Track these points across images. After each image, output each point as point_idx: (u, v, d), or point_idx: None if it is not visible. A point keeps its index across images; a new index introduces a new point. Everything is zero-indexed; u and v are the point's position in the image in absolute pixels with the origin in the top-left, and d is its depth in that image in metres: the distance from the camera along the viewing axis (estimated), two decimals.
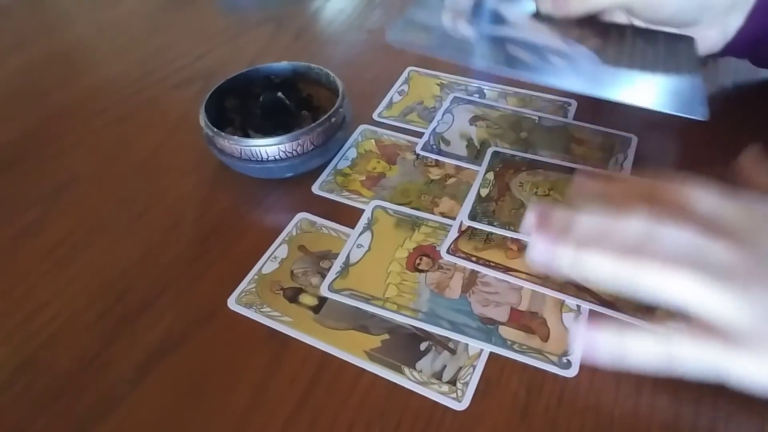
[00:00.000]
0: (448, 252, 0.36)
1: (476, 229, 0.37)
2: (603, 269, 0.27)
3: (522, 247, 0.36)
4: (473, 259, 0.35)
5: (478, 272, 0.35)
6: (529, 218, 0.30)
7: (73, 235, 0.39)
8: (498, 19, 0.41)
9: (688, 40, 0.39)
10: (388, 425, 0.29)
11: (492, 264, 0.35)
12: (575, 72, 0.37)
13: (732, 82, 0.47)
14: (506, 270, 0.35)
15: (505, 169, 0.41)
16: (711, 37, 0.41)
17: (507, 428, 0.29)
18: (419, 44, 0.39)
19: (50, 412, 0.31)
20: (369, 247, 0.37)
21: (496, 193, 0.39)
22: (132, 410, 0.30)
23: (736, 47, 0.41)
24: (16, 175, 0.44)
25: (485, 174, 0.40)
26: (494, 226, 0.37)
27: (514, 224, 0.37)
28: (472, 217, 0.38)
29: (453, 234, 0.37)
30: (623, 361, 0.28)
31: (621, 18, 0.42)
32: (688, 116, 0.32)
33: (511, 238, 0.36)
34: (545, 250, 0.28)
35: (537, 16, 0.41)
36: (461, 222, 0.37)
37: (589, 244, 0.28)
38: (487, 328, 0.32)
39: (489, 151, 0.42)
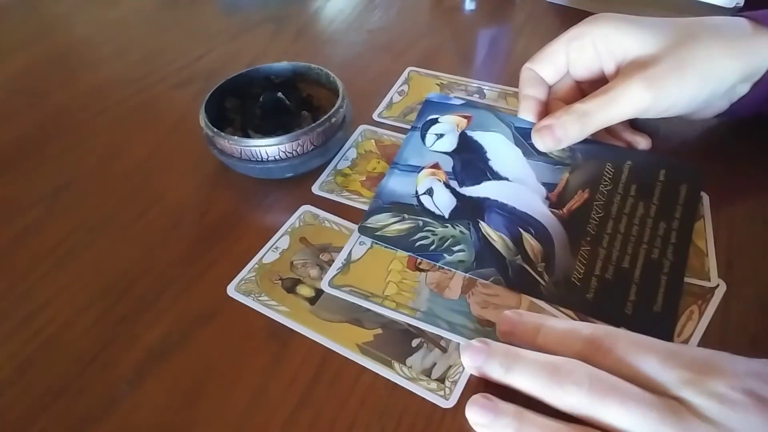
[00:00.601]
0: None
1: None
2: None
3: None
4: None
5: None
6: (469, 358, 0.30)
7: (73, 235, 0.39)
8: (483, 167, 0.39)
9: (692, 183, 0.37)
10: (388, 425, 0.29)
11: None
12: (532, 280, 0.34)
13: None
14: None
15: None
16: (717, 106, 0.39)
17: None
18: (389, 235, 0.37)
19: (50, 412, 0.31)
20: (371, 244, 0.37)
21: None
22: (132, 410, 0.30)
23: (741, 111, 0.40)
24: (16, 175, 0.44)
25: None
26: None
27: None
28: None
29: None
30: None
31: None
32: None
33: None
34: (484, 414, 0.28)
35: (525, 149, 0.40)
36: None
37: (529, 421, 0.27)
38: (485, 330, 0.32)
39: None
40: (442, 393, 0.30)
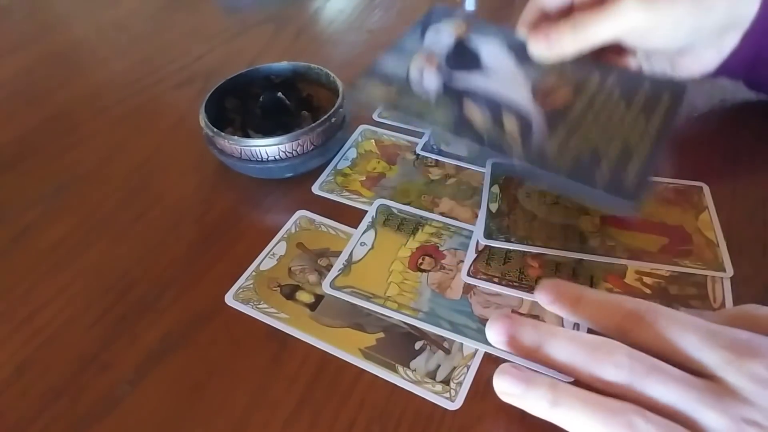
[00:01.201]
0: (468, 275, 0.35)
1: (493, 248, 0.36)
2: (579, 423, 0.25)
3: (543, 263, 0.35)
4: (495, 279, 0.35)
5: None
6: (496, 331, 0.29)
7: (73, 235, 0.39)
8: (473, 62, 0.39)
9: (675, 92, 0.37)
10: (388, 425, 0.29)
11: (514, 284, 0.34)
12: (515, 152, 0.34)
13: (720, 100, 0.46)
14: (529, 289, 0.34)
15: (509, 180, 0.40)
16: (706, 57, 0.40)
17: (506, 428, 0.29)
18: (379, 101, 0.38)
19: (50, 412, 0.31)
20: (372, 245, 0.37)
21: (506, 207, 0.38)
22: (132, 410, 0.30)
23: (731, 68, 0.40)
24: (17, 175, 0.44)
25: (491, 188, 0.40)
26: (512, 242, 0.36)
27: (531, 238, 0.36)
28: (488, 235, 0.37)
29: (471, 255, 0.36)
30: None
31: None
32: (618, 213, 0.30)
33: (531, 254, 0.36)
34: (516, 384, 0.27)
35: (519, 56, 0.39)
36: (477, 241, 0.37)
37: (565, 391, 0.26)
38: None
39: (488, 164, 0.41)
40: (447, 395, 0.30)
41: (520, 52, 0.40)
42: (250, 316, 0.34)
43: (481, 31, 0.41)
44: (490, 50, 0.40)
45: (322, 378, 0.31)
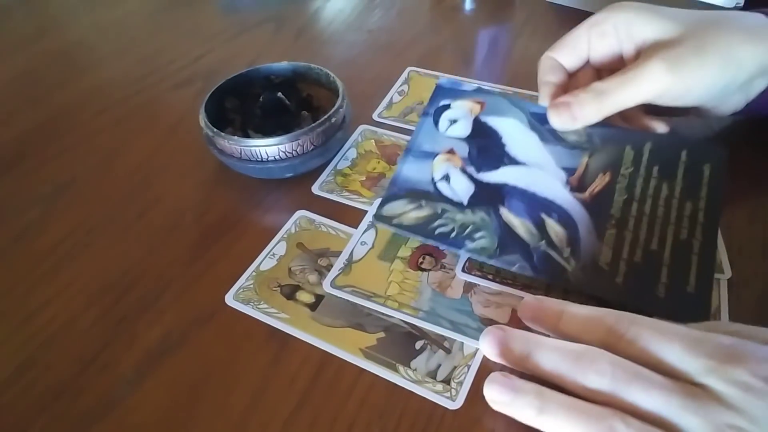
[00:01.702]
0: (463, 270, 0.35)
1: None
2: (563, 429, 0.26)
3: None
4: (489, 276, 0.35)
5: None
6: (488, 343, 0.30)
7: (73, 235, 0.39)
8: (497, 149, 0.38)
9: (715, 162, 0.36)
10: (388, 425, 0.29)
11: (508, 282, 0.35)
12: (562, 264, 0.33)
13: None
14: (523, 287, 0.34)
15: None
16: (732, 101, 0.39)
17: (507, 428, 0.29)
18: (406, 223, 0.36)
19: (50, 412, 0.31)
20: (372, 244, 0.37)
21: None
22: (132, 410, 0.30)
23: (758, 107, 0.39)
24: (16, 175, 0.44)
25: None
26: None
27: None
28: None
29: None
30: None
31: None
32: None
33: None
34: (504, 393, 0.28)
35: (542, 134, 0.38)
36: None
37: (551, 399, 0.27)
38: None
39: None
40: (448, 394, 0.30)
41: (542, 126, 0.39)
42: (250, 317, 0.34)
43: (496, 106, 0.40)
44: (511, 132, 0.39)
45: (322, 378, 0.31)
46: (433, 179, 0.38)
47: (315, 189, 0.41)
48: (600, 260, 0.33)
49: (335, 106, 0.41)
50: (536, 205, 0.36)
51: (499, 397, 0.28)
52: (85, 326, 0.34)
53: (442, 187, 0.37)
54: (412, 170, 0.38)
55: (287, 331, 0.33)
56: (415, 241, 0.37)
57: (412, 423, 0.29)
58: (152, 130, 0.47)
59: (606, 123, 0.38)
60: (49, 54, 0.57)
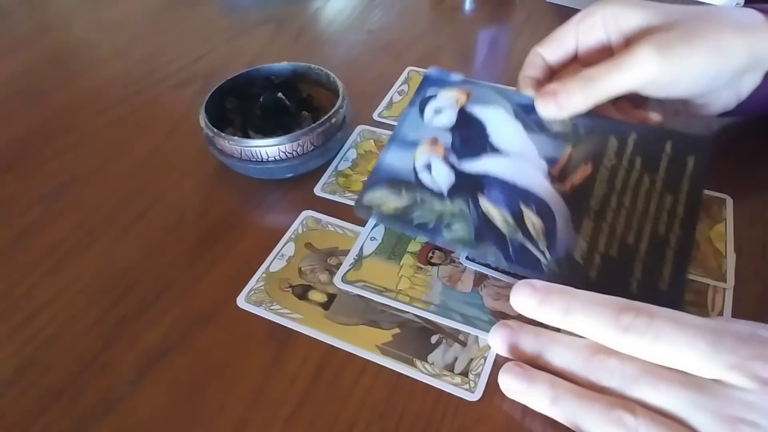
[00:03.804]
0: (467, 258, 0.36)
1: None
2: (576, 419, 0.27)
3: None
4: (493, 265, 0.35)
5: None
6: (497, 340, 0.30)
7: (74, 235, 0.39)
8: (481, 139, 0.38)
9: (699, 154, 0.36)
10: (388, 425, 0.29)
11: (509, 272, 0.35)
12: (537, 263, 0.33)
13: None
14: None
15: None
16: (724, 98, 0.39)
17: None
18: (386, 212, 0.36)
19: (50, 412, 0.31)
20: (382, 239, 0.37)
21: None
22: (132, 410, 0.30)
23: (750, 106, 0.39)
24: (17, 175, 0.44)
25: None
26: None
27: None
28: None
29: None
30: None
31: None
32: None
33: None
34: (519, 382, 0.28)
35: (527, 124, 0.38)
36: None
37: (564, 389, 0.27)
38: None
39: None
40: (467, 386, 0.30)
41: (527, 116, 0.38)
42: (251, 316, 0.34)
43: (482, 96, 0.40)
44: (496, 121, 0.39)
45: (322, 378, 0.31)
46: (414, 168, 0.38)
47: (317, 191, 0.41)
48: (575, 253, 0.33)
49: (335, 107, 0.41)
50: (515, 195, 0.35)
51: (514, 386, 0.28)
52: (86, 326, 0.34)
53: (423, 176, 0.37)
54: (394, 158, 0.38)
55: (302, 331, 0.33)
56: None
57: (413, 423, 0.29)
58: (152, 130, 0.47)
59: (594, 113, 0.37)
60: (49, 54, 0.57)
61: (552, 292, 0.29)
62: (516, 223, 0.35)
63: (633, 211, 0.34)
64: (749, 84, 0.38)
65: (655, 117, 0.39)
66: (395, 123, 0.46)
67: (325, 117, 0.40)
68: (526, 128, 0.38)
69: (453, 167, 0.37)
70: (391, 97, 0.49)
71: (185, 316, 0.34)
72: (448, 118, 0.40)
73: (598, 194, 0.35)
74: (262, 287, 0.35)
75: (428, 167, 0.38)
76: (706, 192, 0.38)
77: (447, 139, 0.39)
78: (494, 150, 0.38)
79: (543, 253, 0.33)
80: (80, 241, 0.39)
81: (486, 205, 0.35)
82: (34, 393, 0.31)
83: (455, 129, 0.39)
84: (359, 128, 0.46)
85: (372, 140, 0.45)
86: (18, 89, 0.53)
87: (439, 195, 0.36)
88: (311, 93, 0.45)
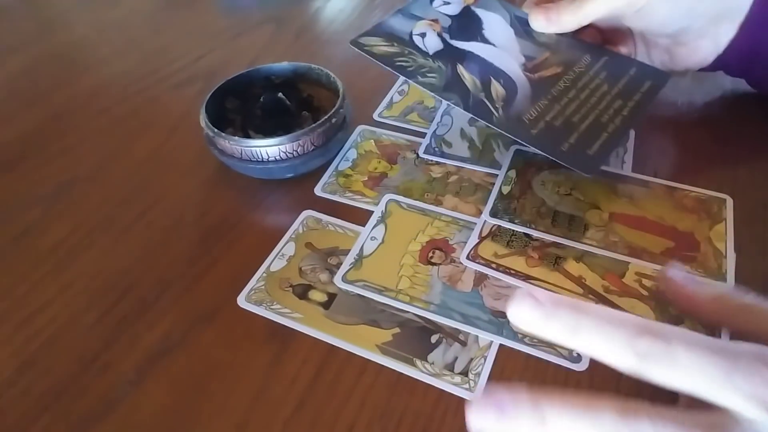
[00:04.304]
0: (467, 258, 0.36)
1: (498, 231, 0.37)
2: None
3: (543, 255, 0.36)
4: (493, 266, 0.35)
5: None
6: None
7: (74, 235, 0.39)
8: (475, 32, 0.42)
9: (656, 81, 0.40)
10: (389, 425, 0.29)
11: (512, 272, 0.35)
12: (496, 116, 0.38)
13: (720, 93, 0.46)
14: (526, 278, 0.34)
15: (528, 168, 0.41)
16: (703, 48, 0.41)
17: None
18: (378, 55, 0.40)
19: (51, 412, 0.31)
20: (382, 239, 0.37)
21: (518, 191, 0.39)
22: (133, 410, 0.30)
23: (728, 62, 0.40)
24: (17, 175, 0.44)
25: (507, 172, 0.40)
26: (515, 223, 0.37)
27: (535, 222, 0.37)
28: (494, 214, 0.38)
29: (473, 239, 0.37)
30: None
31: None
32: (576, 170, 0.35)
33: (532, 246, 0.36)
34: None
35: (519, 31, 0.42)
36: (484, 222, 0.37)
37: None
38: (499, 321, 0.33)
39: (511, 150, 0.42)
40: (467, 386, 0.30)
41: (521, 26, 0.43)
42: (251, 316, 0.34)
43: (487, 2, 0.44)
44: (493, 22, 0.43)
45: (322, 378, 0.31)
46: (411, 32, 0.42)
47: (317, 191, 0.41)
48: (525, 116, 0.37)
49: (336, 107, 0.41)
50: (489, 70, 0.40)
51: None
52: (86, 326, 0.34)
53: (417, 39, 0.41)
54: (396, 22, 0.42)
55: (302, 330, 0.33)
56: (425, 235, 0.37)
57: (413, 423, 0.29)
58: (152, 130, 0.47)
59: (577, 36, 0.42)
60: (49, 54, 0.57)
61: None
62: (483, 87, 0.39)
63: (585, 103, 0.39)
64: (725, 36, 0.40)
65: (630, 50, 0.43)
66: (396, 123, 0.46)
67: (326, 117, 0.40)
68: (516, 34, 0.43)
69: (444, 41, 0.42)
70: (392, 97, 0.49)
71: (186, 315, 0.34)
72: (454, 9, 0.44)
73: (560, 87, 0.39)
74: (263, 287, 0.35)
75: (422, 35, 0.42)
76: (707, 192, 0.39)
77: (446, 22, 0.43)
78: (484, 39, 0.42)
79: (497, 110, 0.38)
80: (80, 241, 0.39)
81: (461, 69, 0.40)
82: (34, 393, 0.31)
83: (456, 17, 0.43)
84: (359, 128, 0.46)
85: (372, 140, 0.45)
86: (18, 89, 0.53)
87: (424, 54, 0.40)
88: (311, 93, 0.45)
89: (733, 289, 0.29)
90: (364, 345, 0.32)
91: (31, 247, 0.39)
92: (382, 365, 0.31)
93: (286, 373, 0.31)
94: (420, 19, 0.43)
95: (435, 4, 0.44)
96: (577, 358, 0.31)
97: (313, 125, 0.40)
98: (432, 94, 0.38)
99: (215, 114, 0.42)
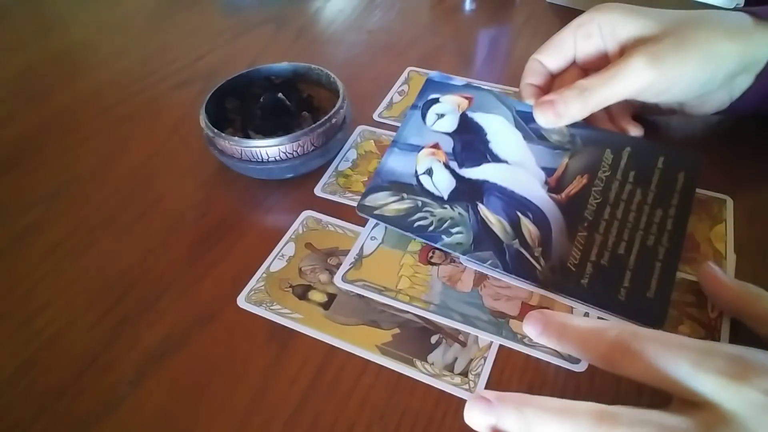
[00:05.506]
0: (467, 258, 0.36)
1: None
2: None
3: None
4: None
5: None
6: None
7: (74, 235, 0.39)
8: (481, 145, 0.39)
9: (690, 171, 0.37)
10: (389, 426, 0.29)
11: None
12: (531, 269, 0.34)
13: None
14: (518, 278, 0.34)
15: None
16: (717, 99, 0.39)
17: None
18: (388, 215, 0.37)
19: (51, 412, 0.31)
20: (382, 239, 0.37)
21: None
22: (133, 411, 0.30)
23: (742, 105, 0.39)
24: (17, 176, 0.44)
25: None
26: None
27: None
28: None
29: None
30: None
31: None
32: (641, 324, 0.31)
33: None
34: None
35: (526, 133, 0.39)
36: None
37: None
38: (498, 322, 0.33)
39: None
40: (466, 386, 0.30)
41: (527, 125, 0.39)
42: (251, 317, 0.34)
43: (484, 102, 0.41)
44: (496, 129, 0.40)
45: (322, 378, 0.31)
46: (416, 172, 0.39)
47: (317, 191, 0.41)
48: (569, 261, 0.34)
49: (336, 107, 0.41)
50: (513, 203, 0.37)
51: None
52: (86, 327, 0.34)
53: (425, 180, 0.38)
54: (396, 162, 0.39)
55: (302, 331, 0.33)
56: None
57: (413, 423, 0.29)
58: (152, 131, 0.47)
59: (590, 125, 0.39)
60: (49, 54, 0.57)
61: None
62: (513, 230, 0.36)
63: (624, 223, 0.35)
64: (742, 85, 0.39)
65: (636, 131, 0.40)
66: (395, 123, 0.46)
67: (326, 117, 0.40)
68: (525, 137, 0.39)
69: (454, 173, 0.38)
70: (392, 98, 0.49)
71: (185, 316, 0.34)
72: (450, 123, 0.41)
73: (593, 205, 0.36)
74: (263, 287, 0.35)
75: (429, 172, 0.38)
76: (707, 192, 0.39)
77: (448, 144, 0.40)
78: (494, 157, 0.39)
79: (537, 260, 0.35)
80: (80, 241, 0.39)
81: (485, 211, 0.37)
82: (34, 393, 0.31)
83: (456, 134, 0.40)
84: (359, 128, 0.46)
85: (372, 140, 0.45)
86: (18, 89, 0.53)
87: (439, 199, 0.37)
88: (311, 93, 0.45)
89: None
90: (364, 345, 0.32)
91: (31, 248, 0.39)
92: (382, 366, 0.31)
93: (286, 373, 0.31)
94: (418, 148, 0.39)
95: (428, 121, 0.41)
96: (577, 359, 0.31)
97: (313, 125, 0.40)
98: (465, 258, 0.35)
99: (215, 114, 0.42)
